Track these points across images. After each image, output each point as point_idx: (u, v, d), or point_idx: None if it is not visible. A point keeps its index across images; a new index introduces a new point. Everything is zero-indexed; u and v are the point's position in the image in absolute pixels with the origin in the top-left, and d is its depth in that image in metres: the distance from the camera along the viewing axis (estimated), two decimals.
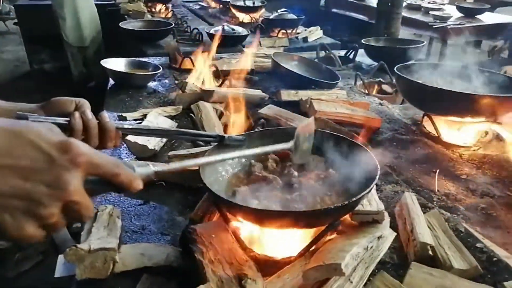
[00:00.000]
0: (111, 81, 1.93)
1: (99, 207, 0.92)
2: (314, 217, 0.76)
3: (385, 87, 1.99)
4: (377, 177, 0.80)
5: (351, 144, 0.94)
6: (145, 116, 1.48)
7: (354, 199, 0.75)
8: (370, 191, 0.78)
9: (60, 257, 0.79)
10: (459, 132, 1.52)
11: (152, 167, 0.58)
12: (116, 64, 1.94)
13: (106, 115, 0.78)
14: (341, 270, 0.68)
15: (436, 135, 1.52)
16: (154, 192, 1.08)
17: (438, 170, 1.30)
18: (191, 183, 1.09)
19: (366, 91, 1.97)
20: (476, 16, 4.63)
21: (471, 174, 1.31)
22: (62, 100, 0.77)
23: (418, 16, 4.95)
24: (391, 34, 3.11)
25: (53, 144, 0.44)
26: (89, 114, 0.76)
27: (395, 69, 1.56)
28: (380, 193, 1.10)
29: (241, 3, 4.03)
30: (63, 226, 0.46)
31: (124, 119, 1.49)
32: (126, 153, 1.28)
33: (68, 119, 0.73)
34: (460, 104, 1.40)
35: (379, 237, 0.80)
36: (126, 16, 3.99)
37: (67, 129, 0.72)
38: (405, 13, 4.95)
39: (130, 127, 0.84)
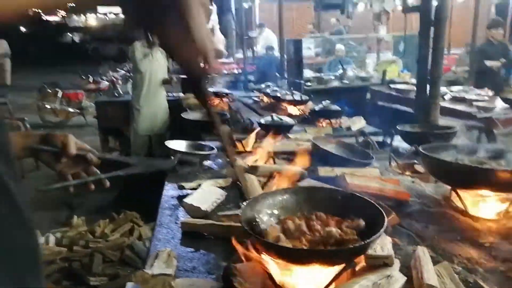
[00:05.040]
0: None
1: (161, 249, 1.15)
2: (331, 256, 0.93)
3: (418, 167, 2.14)
4: (384, 226, 0.96)
5: (368, 203, 1.12)
6: (199, 185, 1.75)
7: (363, 243, 0.92)
8: (377, 238, 0.94)
9: (129, 283, 1.01)
10: (486, 206, 1.62)
11: None
12: (178, 145, 2.30)
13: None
14: None
15: (463, 208, 1.63)
16: (203, 243, 1.29)
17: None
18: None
19: (400, 172, 2.12)
20: None
21: (495, 243, 1.39)
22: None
23: (462, 107, 5.10)
24: (430, 123, 3.28)
25: None
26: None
27: (420, 148, 1.74)
28: (400, 251, 1.23)
29: (290, 97, 4.46)
30: None
31: (183, 187, 1.76)
32: (183, 213, 1.53)
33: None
34: (482, 179, 1.54)
35: (388, 276, 0.94)
36: (187, 109, 4.55)
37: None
38: (450, 105, 5.16)
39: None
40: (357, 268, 0.99)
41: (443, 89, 5.82)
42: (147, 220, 3.64)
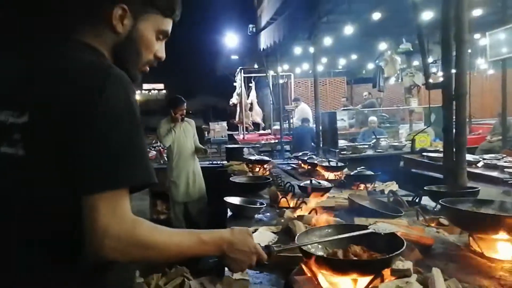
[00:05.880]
0: (229, 212, 2.69)
1: None
2: (363, 266, 1.29)
3: (443, 220, 2.44)
4: (404, 248, 1.32)
5: (392, 235, 1.49)
6: (256, 230, 2.14)
7: (386, 256, 1.28)
8: (398, 254, 1.30)
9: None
10: (501, 248, 1.90)
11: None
12: (234, 200, 2.73)
13: None
14: None
15: (480, 251, 1.92)
16: (265, 268, 1.66)
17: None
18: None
19: (426, 224, 2.43)
20: None
21: (505, 275, 1.68)
22: None
23: (495, 174, 5.30)
24: (457, 185, 3.57)
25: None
26: None
27: (440, 201, 2.08)
28: (421, 276, 1.55)
29: (326, 164, 4.86)
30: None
31: None
32: None
33: None
34: (492, 225, 1.85)
35: (407, 282, 1.28)
36: (232, 175, 5.02)
37: None
38: (482, 171, 5.39)
39: None
40: (385, 280, 1.34)
41: (475, 157, 6.09)
42: (196, 275, 3.95)
